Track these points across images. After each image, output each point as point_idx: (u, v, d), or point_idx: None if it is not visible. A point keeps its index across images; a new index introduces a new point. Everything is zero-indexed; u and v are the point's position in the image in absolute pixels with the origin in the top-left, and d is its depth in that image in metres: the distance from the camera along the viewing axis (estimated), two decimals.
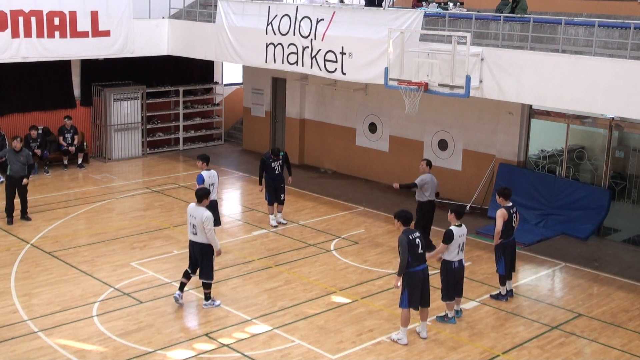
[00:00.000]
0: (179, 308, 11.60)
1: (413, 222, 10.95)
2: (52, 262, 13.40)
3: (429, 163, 14.29)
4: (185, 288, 11.78)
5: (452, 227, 11.06)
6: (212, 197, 13.14)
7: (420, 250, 10.41)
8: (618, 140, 15.66)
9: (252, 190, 18.50)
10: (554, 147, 16.74)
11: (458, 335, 10.96)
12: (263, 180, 15.60)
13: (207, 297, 11.69)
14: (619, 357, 10.55)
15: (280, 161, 15.54)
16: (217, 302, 11.72)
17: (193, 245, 11.46)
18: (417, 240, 10.42)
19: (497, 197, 12.28)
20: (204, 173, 13.74)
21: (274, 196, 15.60)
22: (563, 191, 15.93)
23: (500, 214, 11.95)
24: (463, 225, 11.24)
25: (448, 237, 11.00)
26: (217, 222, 13.32)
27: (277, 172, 15.50)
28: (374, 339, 10.76)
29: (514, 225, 12.15)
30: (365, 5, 17.53)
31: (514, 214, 12.13)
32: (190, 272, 11.64)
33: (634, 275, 13.56)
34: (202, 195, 11.37)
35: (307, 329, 11.04)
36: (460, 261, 11.19)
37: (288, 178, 15.88)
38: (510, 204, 12.13)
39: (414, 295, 10.43)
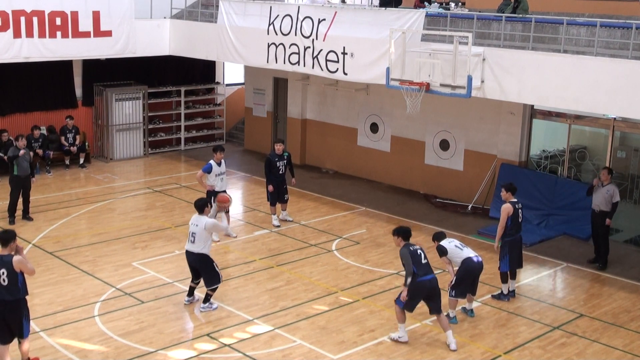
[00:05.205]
0: (180, 308, 11.60)
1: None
2: (53, 262, 13.40)
3: (610, 172, 13.85)
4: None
5: (442, 243, 11.21)
6: (224, 187, 14.59)
7: (424, 261, 10.44)
8: (620, 140, 15.64)
9: (253, 190, 18.51)
10: (555, 147, 16.73)
11: (460, 335, 10.94)
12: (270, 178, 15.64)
13: (207, 298, 11.57)
14: (621, 357, 10.54)
15: (285, 160, 15.56)
16: (215, 305, 11.60)
17: (189, 255, 11.40)
18: (419, 251, 10.46)
19: (502, 191, 12.20)
20: (214, 164, 14.33)
21: (277, 197, 15.61)
22: (565, 191, 15.90)
23: (505, 208, 11.93)
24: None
25: (441, 252, 11.17)
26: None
27: (281, 171, 15.52)
28: (376, 339, 10.75)
29: (520, 221, 12.13)
30: (380, 5, 17.48)
31: (519, 210, 12.11)
32: (195, 281, 11.65)
33: (635, 275, 13.54)
34: (202, 205, 11.47)
35: (308, 329, 11.04)
36: (479, 257, 11.23)
37: (292, 180, 15.89)
38: (516, 200, 12.11)
39: (414, 301, 10.45)
